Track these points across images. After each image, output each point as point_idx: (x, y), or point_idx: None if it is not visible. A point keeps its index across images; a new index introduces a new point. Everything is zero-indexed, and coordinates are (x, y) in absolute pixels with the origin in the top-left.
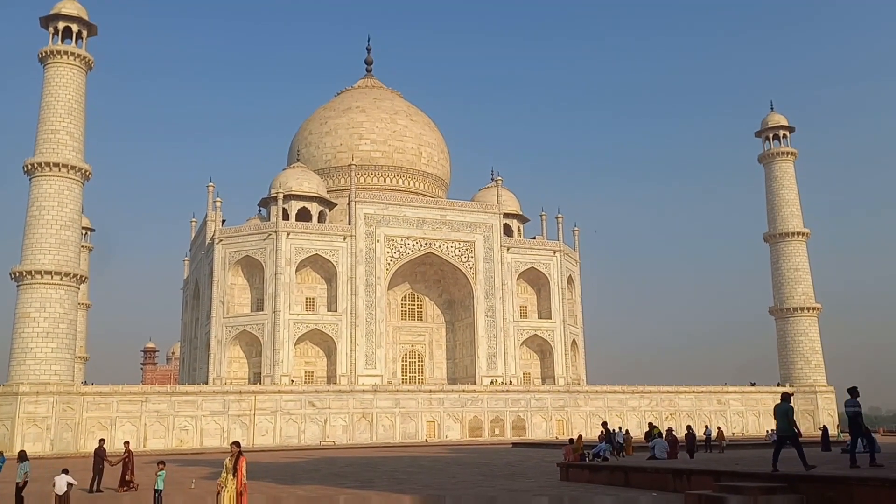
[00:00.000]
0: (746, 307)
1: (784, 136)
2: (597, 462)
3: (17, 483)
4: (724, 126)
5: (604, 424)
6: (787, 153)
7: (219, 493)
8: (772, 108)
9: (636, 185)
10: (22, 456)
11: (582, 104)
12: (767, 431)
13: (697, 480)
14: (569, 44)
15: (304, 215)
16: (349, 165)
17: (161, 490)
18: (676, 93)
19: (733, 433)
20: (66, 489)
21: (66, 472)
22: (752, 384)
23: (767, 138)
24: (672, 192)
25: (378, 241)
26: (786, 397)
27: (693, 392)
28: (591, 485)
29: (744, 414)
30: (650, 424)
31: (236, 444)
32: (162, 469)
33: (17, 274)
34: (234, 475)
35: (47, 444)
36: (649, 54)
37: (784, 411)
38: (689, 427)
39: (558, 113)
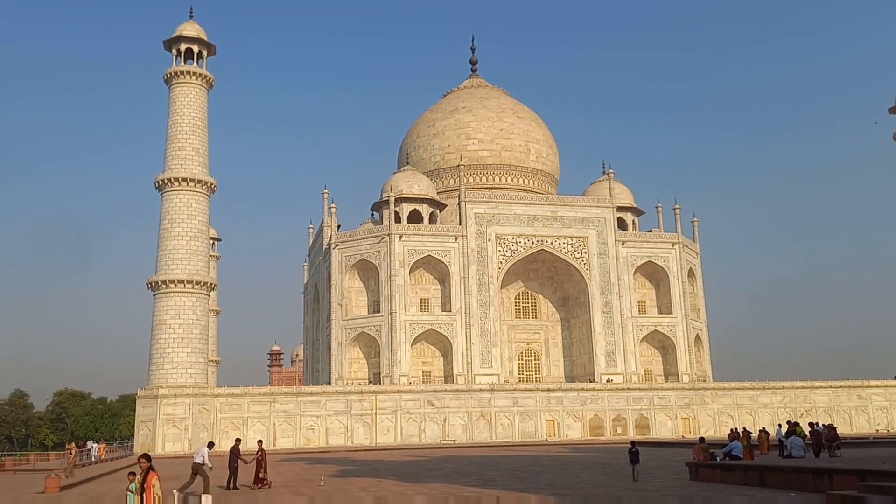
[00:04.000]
0: (883, 296)
1: None
2: (729, 461)
3: None
4: (854, 100)
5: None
6: None
7: None
8: None
9: (759, 172)
10: None
11: (696, 91)
12: None
13: (840, 480)
14: (678, 35)
15: (415, 217)
16: (458, 166)
17: None
18: (803, 71)
19: (877, 430)
20: (199, 460)
21: (211, 445)
22: None
23: None
24: (800, 177)
25: (489, 240)
26: None
27: (830, 387)
28: (723, 485)
29: (888, 409)
30: (788, 423)
31: (145, 457)
32: (133, 481)
33: (153, 284)
34: (142, 496)
35: (185, 444)
36: (774, 28)
37: None
38: (811, 424)
39: (669, 101)
